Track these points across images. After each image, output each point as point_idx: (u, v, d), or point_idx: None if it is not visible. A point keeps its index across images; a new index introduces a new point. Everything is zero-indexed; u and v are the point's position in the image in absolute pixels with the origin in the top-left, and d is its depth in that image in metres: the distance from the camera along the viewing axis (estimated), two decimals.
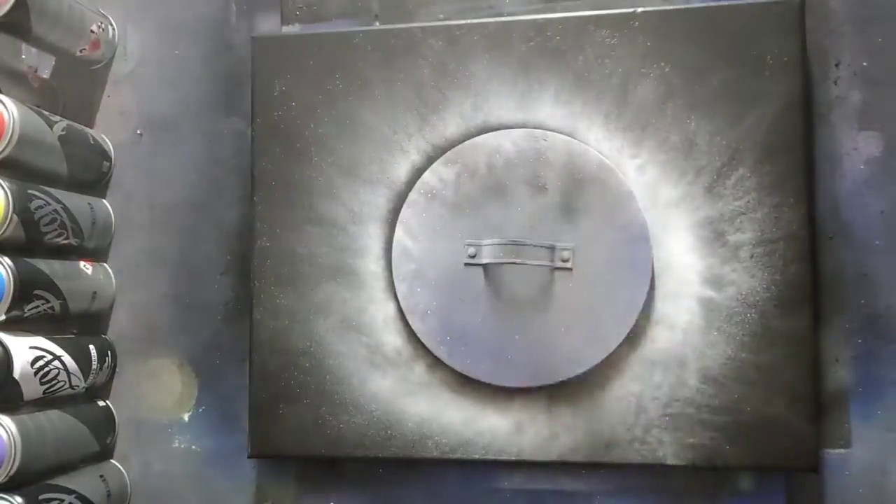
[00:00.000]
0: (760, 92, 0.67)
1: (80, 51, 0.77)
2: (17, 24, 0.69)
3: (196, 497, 0.77)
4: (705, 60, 0.68)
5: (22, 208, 0.67)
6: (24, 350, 0.67)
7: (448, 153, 0.71)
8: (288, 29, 0.79)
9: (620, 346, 0.67)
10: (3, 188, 0.66)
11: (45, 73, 0.81)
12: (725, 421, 0.66)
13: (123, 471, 0.78)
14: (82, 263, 0.76)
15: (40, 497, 0.67)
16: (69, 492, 0.70)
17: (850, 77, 0.70)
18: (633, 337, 0.67)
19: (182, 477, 0.78)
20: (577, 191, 0.69)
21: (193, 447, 0.78)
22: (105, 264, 0.79)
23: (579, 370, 0.68)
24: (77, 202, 0.75)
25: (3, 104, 0.67)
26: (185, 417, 0.78)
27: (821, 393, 0.67)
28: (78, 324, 0.78)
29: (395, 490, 0.74)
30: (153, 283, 0.79)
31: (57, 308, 0.71)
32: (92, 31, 0.77)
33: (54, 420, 0.70)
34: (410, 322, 0.70)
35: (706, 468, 0.66)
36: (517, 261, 0.68)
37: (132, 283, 0.79)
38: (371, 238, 0.72)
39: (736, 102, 0.67)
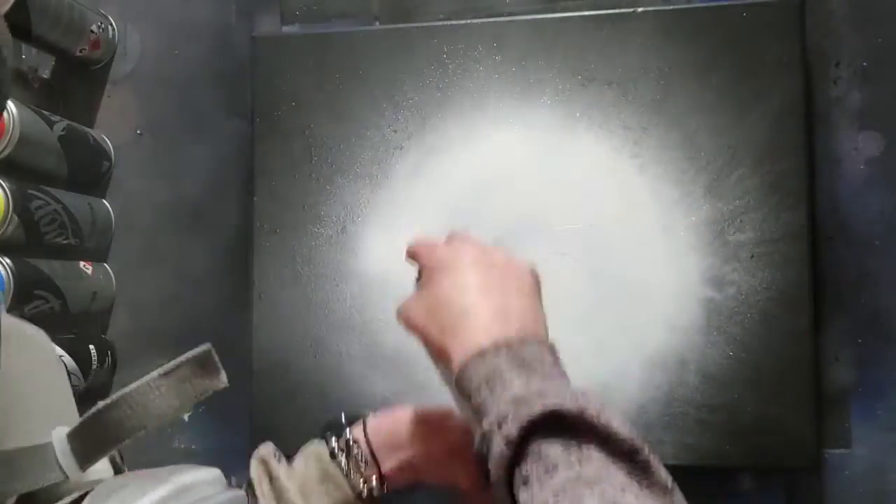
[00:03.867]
0: (760, 92, 0.67)
1: (80, 51, 0.77)
2: (17, 24, 0.69)
3: None
4: (705, 60, 0.68)
5: (22, 208, 0.67)
6: None
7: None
8: (288, 29, 0.79)
9: (621, 346, 0.67)
10: (3, 188, 0.66)
11: (45, 73, 0.81)
12: (725, 421, 0.66)
13: None
14: (82, 264, 0.76)
15: None
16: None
17: (850, 77, 0.69)
18: (634, 337, 0.67)
19: None
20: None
21: (193, 447, 0.77)
22: (105, 264, 0.79)
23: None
24: (77, 202, 0.75)
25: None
26: (185, 417, 0.78)
27: (821, 393, 0.67)
28: (78, 324, 0.78)
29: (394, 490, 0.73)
30: (153, 283, 0.79)
31: (57, 308, 0.71)
32: (92, 31, 0.77)
33: None
34: None
35: (706, 468, 0.66)
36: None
37: (132, 283, 0.79)
38: (371, 238, 0.72)
39: (736, 102, 0.67)
